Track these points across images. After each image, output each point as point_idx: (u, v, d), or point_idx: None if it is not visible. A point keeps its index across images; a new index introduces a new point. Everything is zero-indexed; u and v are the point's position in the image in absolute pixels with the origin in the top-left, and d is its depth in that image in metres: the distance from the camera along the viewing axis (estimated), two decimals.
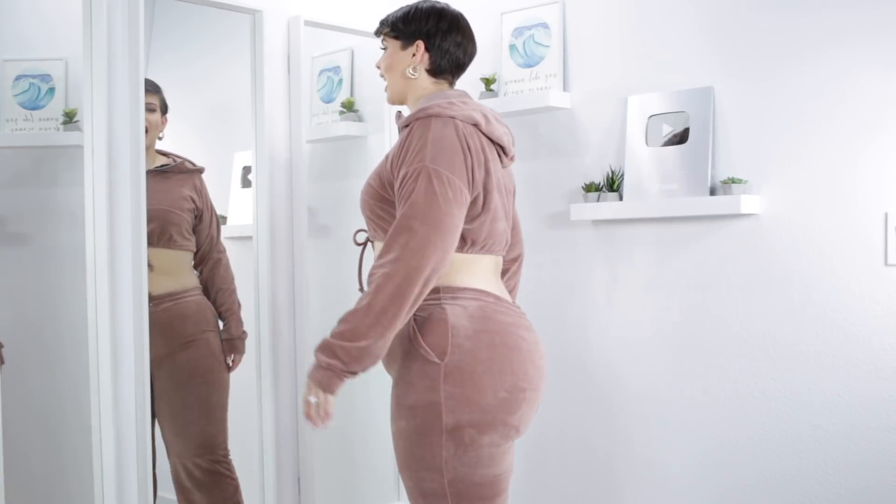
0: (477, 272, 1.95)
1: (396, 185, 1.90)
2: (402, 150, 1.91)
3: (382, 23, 2.07)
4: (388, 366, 2.00)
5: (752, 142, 2.34)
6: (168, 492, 2.68)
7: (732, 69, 2.37)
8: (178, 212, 2.67)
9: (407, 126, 1.94)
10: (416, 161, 1.85)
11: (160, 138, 2.70)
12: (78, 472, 2.40)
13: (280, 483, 2.77)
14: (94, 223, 2.34)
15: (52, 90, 2.46)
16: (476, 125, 1.92)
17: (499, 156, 2.00)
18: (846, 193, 2.18)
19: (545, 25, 2.73)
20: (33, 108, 2.45)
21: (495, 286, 1.99)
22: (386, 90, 2.10)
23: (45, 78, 2.46)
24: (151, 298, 2.57)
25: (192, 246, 2.72)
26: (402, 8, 2.06)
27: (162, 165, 2.69)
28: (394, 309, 1.76)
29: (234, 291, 2.78)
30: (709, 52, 2.42)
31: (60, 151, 2.48)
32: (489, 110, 2.00)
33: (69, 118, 2.45)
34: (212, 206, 2.78)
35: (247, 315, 2.75)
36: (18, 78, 2.44)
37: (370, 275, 1.83)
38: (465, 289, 1.90)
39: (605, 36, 2.63)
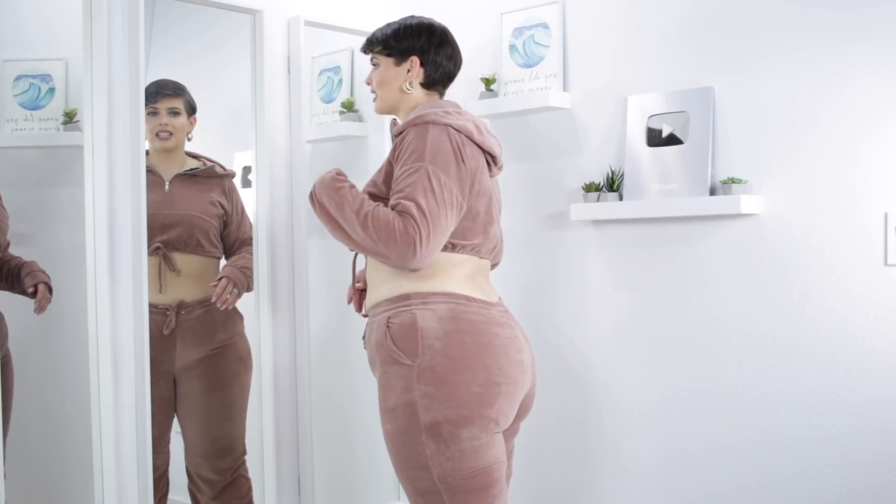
0: (453, 276, 2.00)
1: (395, 176, 1.95)
2: (399, 151, 1.98)
3: (372, 41, 2.13)
4: (372, 371, 2.06)
5: (752, 142, 2.34)
6: (176, 493, 2.68)
7: (732, 69, 2.37)
8: (206, 217, 2.65)
9: (402, 133, 2.01)
10: (413, 160, 1.93)
11: (189, 139, 2.70)
12: (79, 470, 2.41)
13: (280, 483, 2.77)
14: (94, 223, 2.34)
15: (52, 90, 2.46)
16: (469, 135, 2.00)
17: (488, 164, 2.08)
18: (846, 193, 2.18)
19: (545, 25, 2.73)
20: (33, 108, 2.45)
21: (470, 288, 2.02)
22: (374, 101, 2.16)
23: (45, 78, 2.46)
24: (183, 306, 2.58)
25: (220, 253, 2.70)
26: (389, 25, 2.13)
27: (191, 169, 2.68)
28: (343, 237, 1.97)
29: (245, 265, 2.70)
30: (709, 52, 2.42)
31: (60, 151, 2.48)
32: (480, 121, 2.08)
33: (69, 118, 2.45)
34: (242, 209, 2.75)
35: (247, 315, 2.75)
36: (18, 78, 2.44)
37: (377, 211, 1.92)
38: (434, 293, 1.96)
39: (605, 36, 2.63)
